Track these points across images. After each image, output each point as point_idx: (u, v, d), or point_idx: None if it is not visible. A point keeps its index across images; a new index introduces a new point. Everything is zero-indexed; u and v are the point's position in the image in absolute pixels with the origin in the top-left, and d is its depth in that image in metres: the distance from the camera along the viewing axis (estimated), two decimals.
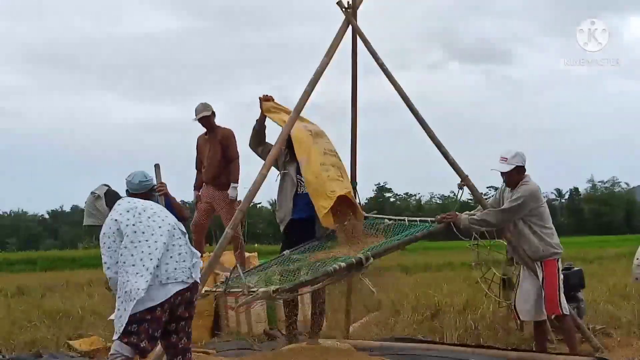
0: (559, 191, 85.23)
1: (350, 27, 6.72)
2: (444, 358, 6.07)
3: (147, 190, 5.28)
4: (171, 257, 4.59)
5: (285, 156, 6.60)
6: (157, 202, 5.38)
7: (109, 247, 4.63)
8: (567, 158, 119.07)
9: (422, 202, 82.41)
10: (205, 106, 7.89)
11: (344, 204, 6.27)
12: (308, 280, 5.50)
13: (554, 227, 6.41)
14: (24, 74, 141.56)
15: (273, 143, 6.37)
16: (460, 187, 6.59)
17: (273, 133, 6.61)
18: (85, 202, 5.79)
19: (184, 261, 4.65)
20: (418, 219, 6.59)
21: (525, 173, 6.34)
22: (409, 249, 22.26)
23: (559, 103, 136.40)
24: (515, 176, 6.31)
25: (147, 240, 4.55)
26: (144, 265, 4.46)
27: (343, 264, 5.47)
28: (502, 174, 6.34)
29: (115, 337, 4.54)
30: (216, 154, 7.90)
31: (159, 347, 5.03)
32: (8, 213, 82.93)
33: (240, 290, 5.58)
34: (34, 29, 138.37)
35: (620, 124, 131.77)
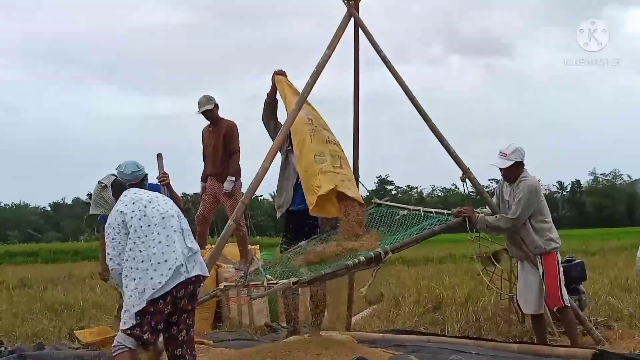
0: (560, 184, 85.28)
1: (352, 19, 6.70)
2: (446, 350, 6.07)
3: (139, 180, 5.26)
4: (174, 251, 4.60)
5: (288, 144, 6.61)
6: (159, 191, 5.37)
7: (112, 239, 4.64)
8: (569, 150, 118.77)
9: (424, 195, 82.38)
10: (208, 99, 7.88)
11: (342, 196, 6.21)
12: (328, 273, 5.52)
13: (552, 221, 6.43)
14: (22, 68, 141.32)
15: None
16: (463, 180, 6.61)
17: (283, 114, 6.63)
18: (93, 192, 5.81)
19: (186, 254, 4.65)
20: (434, 210, 6.61)
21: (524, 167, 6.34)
22: None
23: (561, 96, 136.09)
24: (514, 171, 6.32)
25: (157, 234, 4.57)
26: (156, 261, 4.49)
27: (363, 258, 5.50)
28: (501, 169, 6.35)
29: (122, 326, 4.57)
30: (219, 146, 7.90)
31: (160, 339, 5.04)
32: (10, 205, 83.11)
33: (261, 283, 5.62)
34: (31, 22, 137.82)
35: (623, 117, 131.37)
